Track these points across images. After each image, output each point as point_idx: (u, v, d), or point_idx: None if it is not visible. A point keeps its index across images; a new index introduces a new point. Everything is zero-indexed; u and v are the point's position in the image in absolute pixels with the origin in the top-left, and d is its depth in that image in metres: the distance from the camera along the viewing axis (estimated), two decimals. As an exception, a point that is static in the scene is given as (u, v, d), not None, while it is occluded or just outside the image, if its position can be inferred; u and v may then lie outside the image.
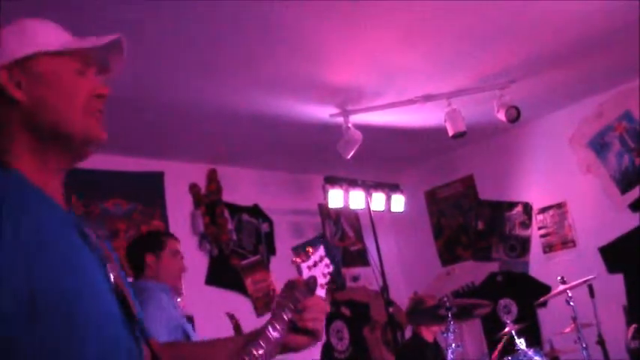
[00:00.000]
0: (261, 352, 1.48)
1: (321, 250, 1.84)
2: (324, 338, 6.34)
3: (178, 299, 3.53)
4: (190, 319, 5.17)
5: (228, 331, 4.96)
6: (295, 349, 1.61)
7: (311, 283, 1.73)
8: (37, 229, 1.15)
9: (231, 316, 4.81)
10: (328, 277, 1.82)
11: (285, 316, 1.58)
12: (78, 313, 1.14)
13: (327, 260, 1.83)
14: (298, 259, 1.76)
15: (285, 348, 1.58)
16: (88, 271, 1.23)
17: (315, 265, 1.78)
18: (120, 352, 1.23)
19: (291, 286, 1.67)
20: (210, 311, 5.41)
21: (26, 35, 1.35)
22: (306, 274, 1.74)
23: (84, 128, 1.35)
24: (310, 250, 1.81)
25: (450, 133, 5.40)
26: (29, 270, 1.10)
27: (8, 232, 1.10)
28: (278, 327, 1.55)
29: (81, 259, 1.24)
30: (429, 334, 5.04)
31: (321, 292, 1.76)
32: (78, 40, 1.41)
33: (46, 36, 1.37)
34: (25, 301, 1.08)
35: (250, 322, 5.88)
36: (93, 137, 1.37)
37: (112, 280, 1.31)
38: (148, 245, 3.44)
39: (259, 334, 1.53)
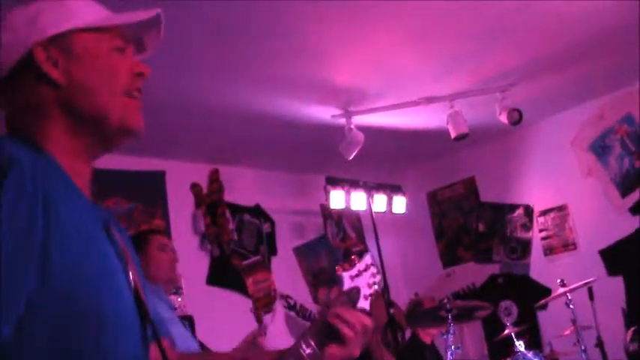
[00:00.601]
0: None
1: (368, 259, 1.71)
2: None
3: (179, 299, 3.50)
4: (190, 319, 5.18)
5: (228, 332, 4.97)
6: None
7: (352, 295, 1.60)
8: (61, 218, 1.08)
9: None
10: (374, 287, 1.68)
11: (319, 330, 1.46)
12: (91, 311, 1.09)
13: (373, 269, 1.70)
14: (340, 269, 1.64)
15: None
16: (107, 266, 1.18)
17: (358, 274, 1.65)
18: (126, 349, 1.18)
19: (331, 300, 1.56)
20: (211, 311, 5.43)
21: (63, 10, 1.25)
22: (347, 284, 1.62)
23: (122, 115, 1.28)
24: (356, 258, 1.69)
25: (452, 135, 5.42)
26: (45, 260, 1.03)
27: (36, 217, 1.03)
28: (312, 342, 1.42)
29: (101, 252, 1.17)
30: (426, 336, 5.05)
31: (364, 304, 1.62)
32: (117, 15, 1.31)
33: (84, 11, 1.28)
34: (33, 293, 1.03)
35: (251, 322, 5.89)
36: (130, 125, 1.30)
37: (131, 278, 1.25)
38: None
39: (290, 350, 1.41)
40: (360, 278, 1.64)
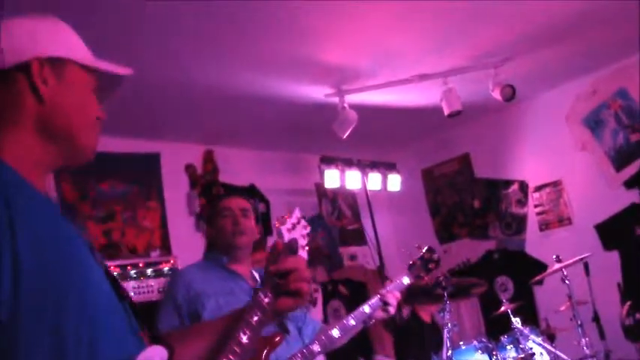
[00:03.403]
0: (251, 326, 1.53)
1: (297, 212, 1.92)
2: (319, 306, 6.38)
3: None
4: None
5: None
6: (284, 312, 1.63)
7: (293, 245, 1.80)
8: (25, 222, 1.10)
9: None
10: (307, 238, 1.88)
11: (273, 282, 1.62)
12: (75, 306, 1.12)
13: (303, 222, 1.90)
14: (277, 223, 1.84)
15: (277, 313, 1.62)
16: (86, 262, 1.22)
17: (293, 227, 1.85)
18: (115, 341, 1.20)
19: (274, 250, 1.73)
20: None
21: (61, 37, 1.35)
22: (286, 237, 1.81)
23: (90, 141, 1.36)
24: (287, 214, 1.89)
25: (446, 112, 5.41)
26: (16, 265, 1.05)
27: (13, 231, 1.07)
28: (269, 293, 1.60)
29: (79, 250, 1.22)
30: (425, 314, 5.05)
31: (302, 253, 1.82)
32: (96, 59, 1.41)
33: (78, 46, 1.38)
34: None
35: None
36: (91, 153, 1.38)
37: (104, 268, 1.29)
38: (205, 217, 3.12)
39: (253, 300, 1.58)
40: (295, 231, 1.85)
